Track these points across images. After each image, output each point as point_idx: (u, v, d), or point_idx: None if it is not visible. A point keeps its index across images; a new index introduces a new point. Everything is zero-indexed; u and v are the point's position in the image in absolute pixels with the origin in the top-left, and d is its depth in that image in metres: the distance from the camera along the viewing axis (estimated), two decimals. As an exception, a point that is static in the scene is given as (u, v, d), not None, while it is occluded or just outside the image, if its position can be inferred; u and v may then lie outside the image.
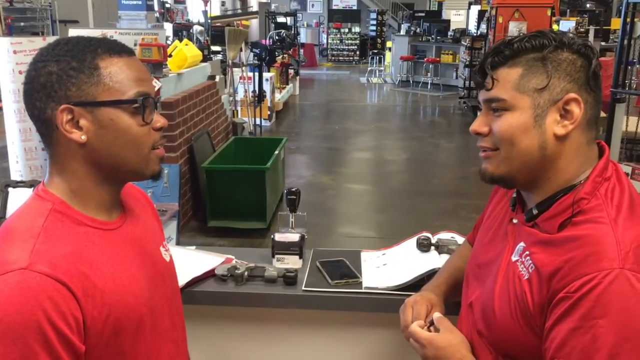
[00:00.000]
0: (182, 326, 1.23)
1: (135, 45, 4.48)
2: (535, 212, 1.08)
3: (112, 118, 1.00)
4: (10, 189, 1.61)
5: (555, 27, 11.06)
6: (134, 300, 1.02)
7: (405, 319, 1.29)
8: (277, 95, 10.33)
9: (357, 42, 21.48)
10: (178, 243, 4.11)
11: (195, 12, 14.33)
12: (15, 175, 4.56)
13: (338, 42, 21.60)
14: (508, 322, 1.06)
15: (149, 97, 1.03)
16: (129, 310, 1.00)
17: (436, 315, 1.23)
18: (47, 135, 1.02)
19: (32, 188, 1.61)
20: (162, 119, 1.07)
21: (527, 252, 1.05)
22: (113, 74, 1.00)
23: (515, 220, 1.14)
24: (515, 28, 9.05)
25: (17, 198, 1.61)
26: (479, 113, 1.13)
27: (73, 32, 4.59)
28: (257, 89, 7.96)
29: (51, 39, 4.87)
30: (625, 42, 5.14)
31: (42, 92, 0.99)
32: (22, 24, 10.34)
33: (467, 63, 11.45)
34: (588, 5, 17.76)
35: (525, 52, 1.04)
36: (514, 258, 1.09)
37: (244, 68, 7.84)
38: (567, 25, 12.15)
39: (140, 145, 1.03)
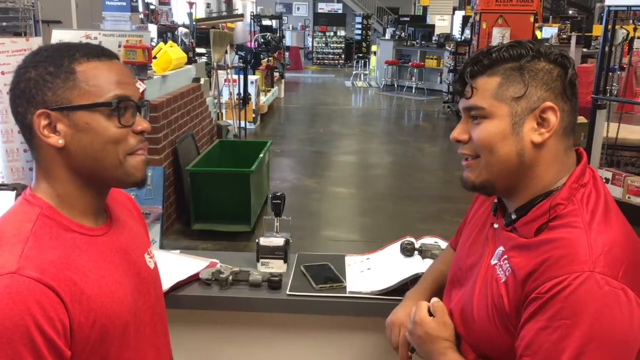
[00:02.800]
0: (165, 333, 1.24)
1: (119, 47, 4.46)
2: (514, 217, 1.10)
3: (87, 121, 1.00)
4: (-8, 192, 1.60)
5: (538, 33, 11.18)
6: (119, 306, 1.02)
7: (394, 340, 1.32)
8: (262, 98, 10.32)
9: (343, 45, 21.51)
10: (162, 246, 4.09)
11: (180, 13, 14.27)
12: (-4, 177, 4.51)
13: (323, 45, 21.62)
14: (486, 325, 1.08)
15: (129, 99, 1.03)
16: (114, 317, 1.01)
17: (434, 300, 1.25)
18: (30, 140, 1.02)
19: (15, 191, 1.60)
20: (145, 122, 1.06)
21: (506, 256, 1.08)
22: (89, 78, 1.00)
23: (495, 225, 1.17)
24: (498, 34, 9.13)
25: (0, 201, 1.59)
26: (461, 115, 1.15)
27: (56, 32, 4.55)
28: (242, 91, 7.94)
29: (34, 39, 4.83)
30: (607, 48, 5.22)
31: (22, 98, 0.99)
32: (4, 23, 10.21)
33: (452, 68, 11.54)
34: (570, 12, 17.97)
35: (504, 62, 1.07)
36: (493, 262, 1.11)
37: (229, 70, 7.82)
38: (549, 31, 12.28)
39: (116, 150, 1.02)
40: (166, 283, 1.59)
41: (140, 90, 4.28)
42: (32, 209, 1.01)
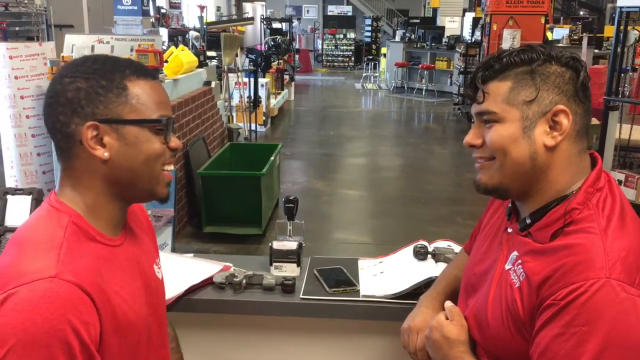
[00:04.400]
0: (167, 344, 1.26)
1: (131, 51, 4.49)
2: (528, 221, 1.10)
3: (137, 136, 1.03)
4: (9, 197, 1.61)
5: (548, 34, 11.12)
6: (136, 317, 1.04)
7: (412, 346, 1.32)
8: (273, 101, 10.34)
9: (352, 48, 21.50)
10: (173, 249, 4.11)
11: (190, 17, 14.34)
12: (9, 181, 4.55)
13: (333, 47, 21.63)
14: (500, 330, 1.08)
15: (171, 119, 1.07)
16: (131, 326, 1.02)
17: (447, 304, 1.25)
18: (65, 149, 1.03)
19: (31, 195, 1.62)
20: (177, 140, 1.11)
21: (520, 261, 1.07)
22: (139, 95, 1.04)
23: (510, 230, 1.16)
24: (509, 35, 9.09)
25: (16, 205, 1.61)
26: (472, 120, 1.15)
27: (69, 37, 4.59)
28: (252, 94, 7.96)
29: (47, 44, 4.87)
30: (619, 49, 5.18)
31: (67, 107, 1.01)
32: (17, 28, 10.32)
33: (462, 70, 11.50)
34: (581, 13, 17.87)
35: (515, 66, 1.07)
36: (507, 267, 1.11)
37: (239, 74, 7.85)
38: (560, 32, 12.20)
39: (156, 164, 1.07)
40: (180, 287, 1.60)
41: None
42: (62, 215, 1.02)
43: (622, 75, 5.41)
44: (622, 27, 5.12)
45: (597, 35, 12.06)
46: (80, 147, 1.01)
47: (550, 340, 0.96)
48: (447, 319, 1.22)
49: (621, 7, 5.07)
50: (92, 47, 4.48)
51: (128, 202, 1.11)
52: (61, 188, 1.06)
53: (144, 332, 1.07)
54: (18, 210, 1.60)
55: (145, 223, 1.27)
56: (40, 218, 1.03)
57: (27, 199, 1.61)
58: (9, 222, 1.60)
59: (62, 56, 4.38)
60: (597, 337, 0.92)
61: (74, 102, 1.00)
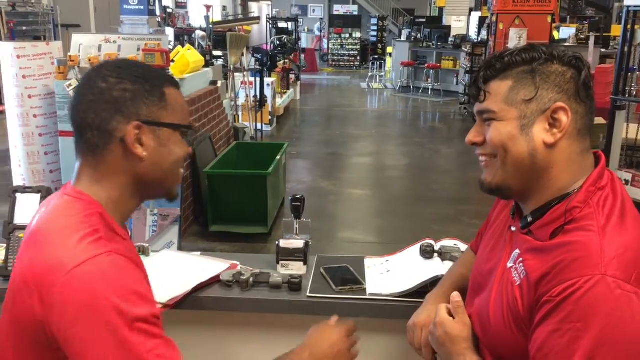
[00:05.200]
0: None
1: (138, 50, 4.51)
2: (530, 219, 1.11)
3: (170, 138, 1.12)
4: (18, 195, 1.63)
5: (555, 33, 11.08)
6: None
7: (417, 342, 1.33)
8: (278, 100, 10.35)
9: (358, 47, 21.49)
10: (180, 248, 4.12)
11: (196, 17, 14.36)
12: (17, 179, 4.58)
13: (339, 47, 21.62)
14: (501, 328, 1.09)
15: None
16: None
17: (454, 295, 1.25)
18: (100, 144, 1.07)
19: (40, 194, 1.63)
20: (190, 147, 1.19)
21: (521, 259, 1.08)
22: (174, 103, 1.13)
23: (513, 228, 1.17)
24: (515, 35, 9.07)
25: (25, 204, 1.62)
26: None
27: (76, 36, 4.61)
28: (258, 94, 7.98)
29: (54, 43, 4.87)
30: (626, 49, 5.17)
31: (112, 105, 1.06)
32: (24, 28, 10.36)
33: (468, 69, 11.48)
34: (588, 12, 17.79)
35: (516, 66, 1.08)
36: (509, 265, 1.12)
37: (245, 73, 7.86)
38: (567, 32, 12.15)
39: (180, 166, 1.15)
40: (188, 284, 1.61)
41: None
42: (89, 206, 1.05)
43: (629, 74, 5.38)
44: (629, 27, 5.12)
45: (604, 34, 12.00)
46: (117, 144, 1.06)
47: (546, 337, 0.97)
48: (450, 313, 1.23)
49: (628, 7, 5.06)
50: (100, 46, 4.49)
51: (143, 200, 1.16)
52: (80, 182, 1.09)
53: None
54: (27, 209, 1.61)
55: None
56: (66, 208, 1.06)
57: (36, 197, 1.62)
58: (18, 220, 1.61)
59: (70, 55, 4.40)
60: (592, 333, 0.92)
61: (120, 101, 1.06)
